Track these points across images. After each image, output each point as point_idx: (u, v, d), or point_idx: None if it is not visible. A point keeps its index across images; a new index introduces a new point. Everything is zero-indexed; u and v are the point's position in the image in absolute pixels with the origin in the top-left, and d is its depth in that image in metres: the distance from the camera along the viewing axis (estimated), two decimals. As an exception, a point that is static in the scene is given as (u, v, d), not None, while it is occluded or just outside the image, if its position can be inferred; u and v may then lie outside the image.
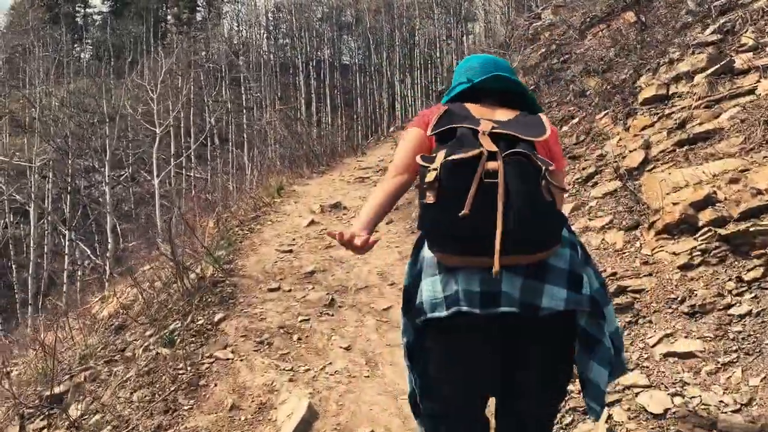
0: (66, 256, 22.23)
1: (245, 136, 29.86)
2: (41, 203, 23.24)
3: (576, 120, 7.51)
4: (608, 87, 7.47)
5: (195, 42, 31.81)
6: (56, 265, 24.02)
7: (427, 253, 1.76)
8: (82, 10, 43.40)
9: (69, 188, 20.49)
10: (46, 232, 27.63)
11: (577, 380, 1.97)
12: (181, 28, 35.23)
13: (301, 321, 4.83)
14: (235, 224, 7.81)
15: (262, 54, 35.25)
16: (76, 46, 41.56)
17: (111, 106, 20.17)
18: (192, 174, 32.16)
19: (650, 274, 4.01)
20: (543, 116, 1.89)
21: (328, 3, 36.75)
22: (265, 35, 37.58)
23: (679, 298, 3.70)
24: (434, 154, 1.70)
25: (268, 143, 21.67)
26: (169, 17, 43.83)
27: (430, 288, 1.71)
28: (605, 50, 8.85)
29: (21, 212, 28.35)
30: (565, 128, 7.54)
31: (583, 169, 6.11)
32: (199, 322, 4.92)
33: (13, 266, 25.57)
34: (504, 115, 1.90)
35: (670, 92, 6.29)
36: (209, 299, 5.36)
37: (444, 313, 1.67)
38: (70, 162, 19.10)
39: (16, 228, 28.04)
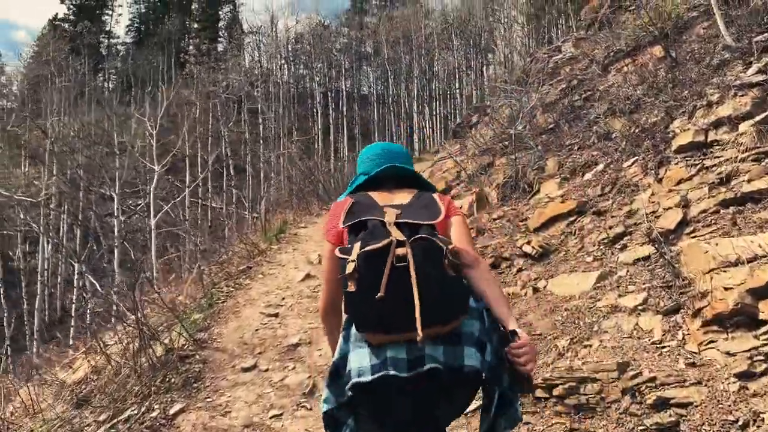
0: (75, 289, 21.66)
1: (261, 166, 29.39)
2: (54, 234, 22.85)
3: (600, 167, 6.68)
4: (636, 130, 6.65)
5: (213, 72, 31.52)
6: (69, 296, 23.48)
7: (354, 329, 1.88)
8: (106, 41, 43.74)
9: (80, 220, 20.00)
10: (60, 262, 27.29)
11: None
12: (201, 59, 35.05)
13: (271, 417, 4.01)
14: (222, 277, 7.05)
15: (282, 84, 34.97)
16: (99, 76, 41.69)
17: (125, 136, 19.70)
18: (209, 204, 31.80)
19: (699, 382, 3.15)
20: (435, 195, 2.10)
21: (347, 34, 36.44)
22: (284, 66, 37.35)
23: (739, 422, 2.84)
24: (350, 245, 1.85)
25: (280, 176, 20.99)
26: (191, 47, 43.89)
27: (358, 359, 1.85)
28: (632, 88, 8.03)
29: (36, 241, 28.08)
30: (588, 176, 6.72)
31: (610, 227, 5.27)
32: (154, 413, 4.13)
33: (24, 297, 25.07)
34: (402, 197, 2.10)
35: (709, 139, 5.45)
36: (173, 379, 4.58)
37: (368, 378, 1.80)
38: (81, 194, 18.61)
39: (30, 259, 27.78)
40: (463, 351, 1.81)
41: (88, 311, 21.29)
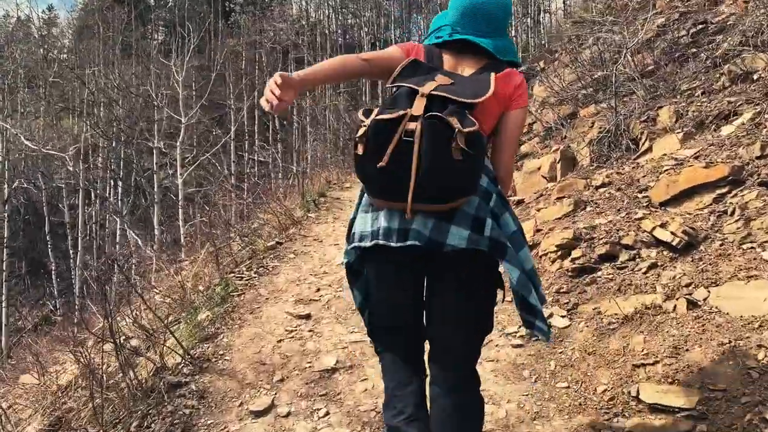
0: (116, 245, 20.78)
1: (307, 119, 27.75)
2: (99, 187, 21.93)
3: (747, 117, 4.77)
4: (799, 66, 4.73)
5: (259, 21, 29.73)
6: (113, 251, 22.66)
7: (365, 197, 1.93)
8: (154, -9, 42.16)
9: (118, 174, 18.92)
10: (107, 216, 26.49)
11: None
12: (247, 8, 33.28)
13: None
14: (245, 255, 5.49)
15: (329, 34, 32.97)
16: (148, 27, 40.39)
17: (165, 88, 18.28)
18: (255, 158, 30.51)
19: None
20: (498, 75, 1.90)
21: (398, -19, 34.01)
22: (332, 15, 35.26)
23: None
24: (373, 108, 1.79)
25: (326, 129, 19.34)
26: (238, -3, 42.03)
27: (362, 222, 1.92)
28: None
29: (87, 194, 27.38)
30: (727, 129, 4.83)
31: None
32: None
33: (71, 250, 24.36)
34: (472, 65, 1.99)
35: None
36: (153, 424, 3.06)
37: (367, 244, 1.87)
38: (120, 146, 17.43)
39: (78, 211, 27.12)
40: (449, 229, 1.78)
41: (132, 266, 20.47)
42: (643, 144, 5.76)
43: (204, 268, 5.28)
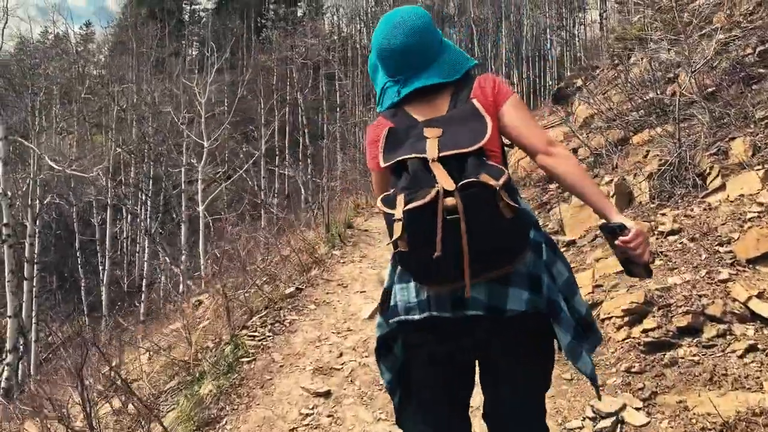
0: (145, 263, 20.47)
1: (336, 135, 27.30)
2: (130, 203, 21.70)
3: None
4: None
5: (290, 37, 29.45)
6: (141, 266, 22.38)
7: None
8: (188, 7, 42.40)
9: (149, 191, 18.63)
10: (139, 232, 26.32)
11: None
12: (278, 24, 33.06)
13: None
14: (262, 305, 4.87)
15: (360, 49, 32.55)
16: (183, 42, 40.57)
17: (197, 105, 17.94)
18: (285, 172, 30.15)
19: None
20: (474, 99, 1.72)
21: (429, -6, 33.45)
22: (363, 30, 34.87)
23: None
24: (392, 194, 1.59)
25: (355, 149, 18.78)
26: (271, 13, 42.02)
27: (404, 292, 1.71)
28: None
29: (118, 210, 27.29)
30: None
31: None
32: None
33: (101, 265, 24.18)
34: (441, 103, 1.77)
35: None
36: None
37: (417, 317, 1.68)
38: (148, 164, 17.11)
39: (112, 226, 27.02)
40: (507, 293, 1.62)
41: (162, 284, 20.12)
42: (713, 180, 5.01)
43: (215, 321, 4.67)
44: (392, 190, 1.61)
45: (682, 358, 3.14)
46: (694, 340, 3.20)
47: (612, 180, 6.12)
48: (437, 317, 1.65)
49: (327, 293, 5.10)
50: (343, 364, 3.87)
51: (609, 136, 7.60)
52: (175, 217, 22.37)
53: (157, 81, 22.78)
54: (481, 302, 1.62)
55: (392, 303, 1.74)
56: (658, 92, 7.70)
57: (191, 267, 17.18)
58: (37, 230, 21.10)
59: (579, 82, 14.86)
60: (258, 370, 3.82)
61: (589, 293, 4.12)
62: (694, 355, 3.11)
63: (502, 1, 27.49)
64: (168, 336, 6.35)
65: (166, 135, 16.99)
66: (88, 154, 19.17)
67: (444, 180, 1.53)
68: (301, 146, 28.86)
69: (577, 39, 31.47)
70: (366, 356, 3.96)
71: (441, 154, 1.59)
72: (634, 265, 1.60)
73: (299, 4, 42.16)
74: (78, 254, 23.99)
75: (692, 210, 4.71)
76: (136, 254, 26.31)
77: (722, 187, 4.81)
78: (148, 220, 20.39)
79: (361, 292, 5.07)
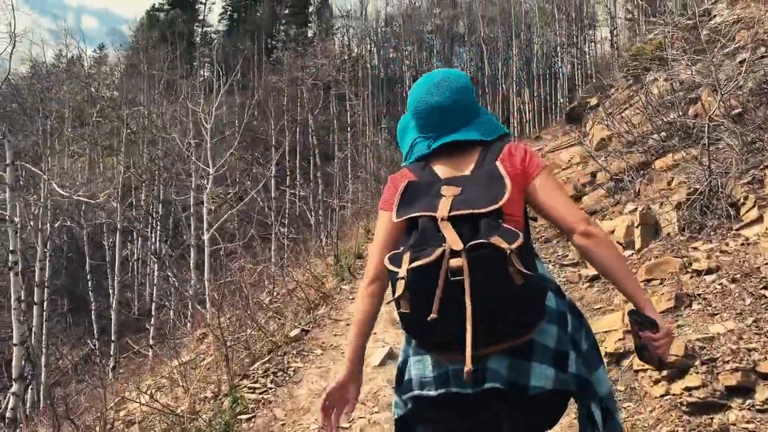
0: (154, 287, 20.22)
1: (348, 154, 27.07)
2: (134, 228, 21.51)
3: None
4: None
5: (301, 58, 29.39)
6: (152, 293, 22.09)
7: None
8: (200, 29, 42.66)
9: (159, 214, 18.42)
10: (148, 254, 26.14)
11: None
12: (289, 44, 33.03)
13: None
14: (265, 350, 4.54)
15: (370, 69, 32.45)
16: (194, 64, 40.74)
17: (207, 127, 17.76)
18: (296, 192, 29.95)
19: None
20: (499, 162, 1.65)
21: (439, 15, 33.38)
22: (373, 50, 34.82)
23: None
24: (400, 253, 1.50)
25: (365, 171, 18.50)
26: (281, 34, 42.16)
27: (419, 366, 1.61)
28: None
29: (129, 233, 27.17)
30: None
31: None
32: None
33: (112, 288, 23.99)
34: (467, 163, 1.72)
35: None
36: None
37: (432, 393, 1.57)
38: (157, 186, 16.91)
39: (122, 249, 26.84)
40: (530, 368, 1.50)
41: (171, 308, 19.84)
42: (748, 211, 4.64)
43: (216, 365, 4.33)
44: (401, 248, 1.52)
45: (734, 424, 2.76)
46: (746, 403, 2.82)
47: (636, 209, 5.75)
48: (456, 393, 1.53)
49: (335, 335, 4.76)
50: (351, 421, 3.52)
51: (629, 159, 7.23)
52: (184, 239, 22.15)
53: (168, 104, 22.71)
54: (501, 376, 1.51)
55: (407, 377, 1.63)
56: (680, 113, 7.34)
57: (200, 290, 16.91)
58: (48, 254, 20.97)
59: (593, 102, 14.50)
60: (258, 429, 3.48)
61: (619, 339, 3.75)
62: (748, 422, 2.73)
63: (512, 19, 27.29)
64: (173, 372, 6.03)
65: (175, 158, 16.79)
66: (98, 177, 18.99)
67: (452, 239, 1.46)
68: (311, 167, 28.66)
69: (587, 57, 31.21)
70: (376, 411, 3.60)
71: (452, 214, 1.52)
72: (650, 355, 1.55)
73: (310, 25, 42.31)
74: (89, 277, 23.81)
75: (727, 244, 4.34)
76: (147, 276, 26.13)
77: (759, 219, 4.44)
78: (158, 243, 20.16)
79: (372, 333, 4.70)
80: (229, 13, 47.43)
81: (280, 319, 5.38)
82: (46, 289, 20.71)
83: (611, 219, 6.10)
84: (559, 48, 28.41)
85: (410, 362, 1.62)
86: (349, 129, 27.28)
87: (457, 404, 1.56)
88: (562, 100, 27.69)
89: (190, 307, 16.77)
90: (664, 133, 7.40)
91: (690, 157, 6.07)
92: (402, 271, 1.45)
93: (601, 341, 3.90)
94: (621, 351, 3.65)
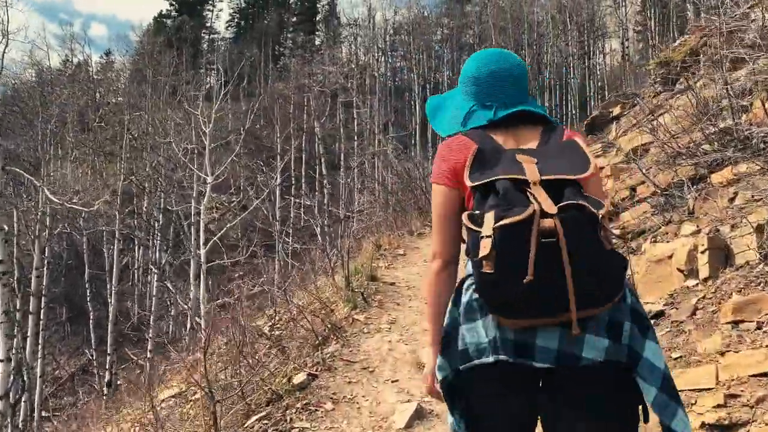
0: (154, 298, 19.37)
1: (355, 164, 26.24)
2: (135, 236, 20.68)
3: None
4: None
5: (308, 65, 28.64)
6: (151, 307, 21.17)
7: (466, 297, 1.54)
8: (207, 36, 42.02)
9: (159, 223, 17.59)
10: (151, 263, 25.30)
11: None
12: (296, 52, 32.30)
13: None
14: (263, 401, 3.66)
15: (378, 77, 31.68)
16: (201, 70, 40.10)
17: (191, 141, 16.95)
18: (301, 201, 29.16)
19: None
20: (578, 137, 1.62)
21: (448, 24, 32.65)
22: (381, 58, 34.10)
23: None
24: (478, 212, 1.45)
25: (374, 180, 17.65)
26: (288, 41, 41.51)
27: (472, 332, 1.53)
28: None
29: (131, 240, 26.38)
30: None
31: None
32: None
33: (111, 297, 23.12)
34: (529, 137, 1.66)
35: None
36: None
37: (489, 359, 1.48)
38: (158, 194, 16.09)
39: (122, 257, 26.01)
40: (583, 338, 1.43)
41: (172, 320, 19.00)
42: None
43: (201, 424, 3.46)
44: (477, 211, 1.46)
45: None
46: None
47: (699, 230, 4.87)
48: (504, 361, 1.46)
49: (348, 382, 3.87)
50: None
51: (677, 172, 6.35)
52: (186, 249, 21.30)
53: (172, 110, 21.95)
54: (550, 352, 1.43)
55: (460, 346, 1.53)
56: (734, 121, 6.49)
57: (199, 304, 16.04)
58: (46, 261, 20.13)
59: (616, 111, 13.64)
60: None
61: (717, 405, 2.87)
62: None
63: (523, 28, 26.53)
64: (161, 408, 5.18)
65: (176, 165, 15.97)
66: (97, 184, 18.17)
67: (544, 200, 1.40)
68: (317, 175, 27.85)
69: (598, 68, 30.43)
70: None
71: (543, 177, 1.46)
72: None
73: (317, 32, 41.66)
74: (87, 286, 22.95)
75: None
76: (148, 285, 25.29)
77: None
78: (158, 252, 19.32)
79: (392, 380, 3.83)
80: (236, 20, 46.85)
81: (282, 356, 4.50)
82: (43, 298, 19.87)
83: (667, 242, 5.20)
84: (570, 58, 27.61)
85: (462, 330, 1.54)
86: (356, 137, 26.47)
87: (508, 376, 1.48)
88: (573, 111, 26.88)
89: (189, 318, 15.95)
90: (716, 143, 6.53)
91: (757, 170, 5.19)
92: (486, 230, 1.39)
93: (690, 404, 3.02)
94: (726, 423, 2.76)
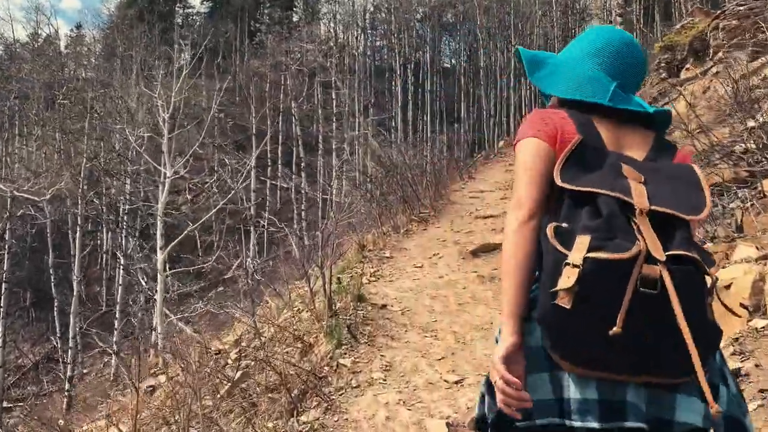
0: (119, 286, 18.10)
1: (333, 144, 25.01)
2: (102, 220, 19.32)
3: None
4: None
5: (285, 42, 27.17)
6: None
7: (534, 341, 1.22)
8: (181, 10, 39.99)
9: (126, 208, 16.27)
10: (119, 248, 23.93)
11: None
12: (273, 28, 30.73)
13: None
14: None
15: (358, 56, 30.31)
16: (175, 46, 38.18)
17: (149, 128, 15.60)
18: (278, 183, 27.90)
19: None
20: (695, 164, 1.31)
21: (430, 2, 31.27)
22: (361, 36, 32.69)
23: None
24: (566, 225, 1.17)
25: (355, 168, 16.50)
26: (266, 17, 39.74)
27: (538, 384, 1.22)
28: None
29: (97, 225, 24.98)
30: None
31: None
32: None
33: (76, 283, 21.73)
34: (636, 145, 1.34)
35: None
36: None
37: (555, 420, 1.20)
38: (124, 177, 14.79)
39: (90, 241, 24.58)
40: (674, 400, 1.20)
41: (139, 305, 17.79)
42: None
43: None
44: (565, 224, 1.18)
45: None
46: None
47: (765, 256, 3.89)
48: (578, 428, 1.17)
49: (341, 427, 2.82)
50: None
51: (724, 176, 5.35)
52: (153, 235, 20.05)
53: (140, 88, 20.48)
54: (641, 411, 1.17)
55: (549, 396, 1.19)
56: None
57: (169, 293, 14.86)
58: (7, 246, 18.69)
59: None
60: None
61: None
62: None
63: (509, 9, 25.40)
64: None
65: (135, 153, 14.64)
66: (60, 165, 16.74)
67: (652, 241, 1.12)
68: (294, 157, 26.57)
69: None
70: None
71: (653, 207, 1.18)
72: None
73: (295, 9, 39.96)
74: (51, 270, 21.52)
75: None
76: (116, 270, 23.95)
77: None
78: (124, 239, 17.99)
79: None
80: (211, -6, 44.71)
81: (246, 413, 3.44)
82: (4, 283, 18.50)
83: (723, 266, 4.20)
84: (555, 41, 26.60)
85: (528, 381, 1.20)
86: (335, 119, 25.22)
87: None
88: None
89: (156, 308, 14.75)
90: (752, 143, 5.56)
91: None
92: (576, 257, 1.10)
93: None
94: None
